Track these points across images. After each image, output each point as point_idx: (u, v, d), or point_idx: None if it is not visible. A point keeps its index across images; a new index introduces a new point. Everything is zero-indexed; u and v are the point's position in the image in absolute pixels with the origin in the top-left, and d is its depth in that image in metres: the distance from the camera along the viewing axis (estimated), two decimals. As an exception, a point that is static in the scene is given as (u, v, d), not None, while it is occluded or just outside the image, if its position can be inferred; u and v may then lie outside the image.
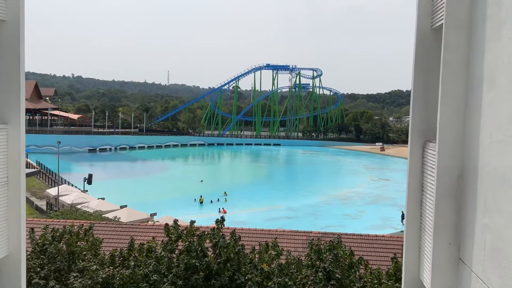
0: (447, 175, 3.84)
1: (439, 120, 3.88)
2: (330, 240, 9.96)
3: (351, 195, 56.27)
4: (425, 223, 4.38)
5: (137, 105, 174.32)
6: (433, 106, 4.22)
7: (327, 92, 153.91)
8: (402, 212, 42.34)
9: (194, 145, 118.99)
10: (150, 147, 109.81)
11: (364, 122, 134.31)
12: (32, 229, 10.48)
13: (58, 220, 17.69)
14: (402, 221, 41.75)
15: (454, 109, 3.83)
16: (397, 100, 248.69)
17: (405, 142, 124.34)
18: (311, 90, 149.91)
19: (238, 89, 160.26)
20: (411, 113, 4.65)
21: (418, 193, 4.69)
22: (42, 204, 41.80)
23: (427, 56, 4.40)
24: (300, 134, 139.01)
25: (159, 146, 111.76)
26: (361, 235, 16.27)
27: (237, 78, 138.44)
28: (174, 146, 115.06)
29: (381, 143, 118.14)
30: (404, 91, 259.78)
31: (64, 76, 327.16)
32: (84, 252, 9.63)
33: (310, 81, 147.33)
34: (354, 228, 35.27)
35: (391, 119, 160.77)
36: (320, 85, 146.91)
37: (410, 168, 4.72)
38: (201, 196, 49.44)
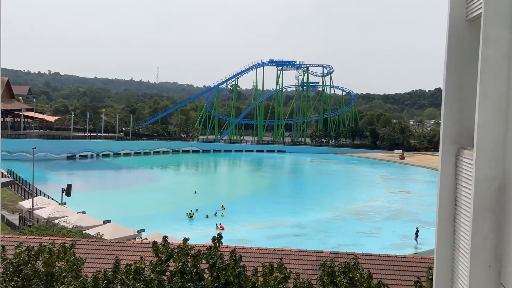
0: (486, 187, 3.80)
1: (477, 123, 3.84)
2: (345, 262, 9.90)
3: (367, 210, 56.12)
4: (459, 242, 4.34)
5: (123, 105, 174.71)
6: (469, 108, 4.19)
7: (338, 92, 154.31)
8: (417, 228, 42.44)
9: (187, 151, 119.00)
10: (137, 153, 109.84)
11: (381, 126, 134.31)
12: (3, 247, 10.44)
13: (33, 237, 17.63)
14: (416, 238, 41.78)
15: (495, 111, 3.80)
16: (418, 101, 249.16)
17: (427, 149, 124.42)
18: (320, 89, 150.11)
19: (238, 88, 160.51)
20: (443, 115, 4.62)
21: (451, 208, 4.64)
22: (14, 218, 41.73)
23: (462, 51, 4.38)
24: (308, 140, 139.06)
25: (147, 153, 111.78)
26: (379, 256, 16.19)
27: (237, 76, 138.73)
28: (165, 152, 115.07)
29: (400, 151, 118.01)
30: (427, 91, 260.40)
31: (39, 72, 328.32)
32: (64, 274, 9.58)
33: (319, 79, 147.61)
34: (370, 248, 35.12)
35: (411, 122, 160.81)
36: (331, 84, 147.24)
37: (442, 179, 4.68)
38: (191, 210, 49.38)
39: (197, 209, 50.91)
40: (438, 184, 4.71)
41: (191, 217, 48.69)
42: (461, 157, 4.41)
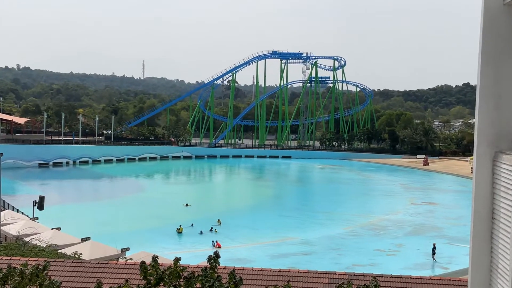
0: (529, 198, 3.77)
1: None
2: (365, 285, 9.86)
3: (386, 224, 56.05)
4: (497, 261, 4.31)
5: (103, 105, 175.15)
6: (509, 105, 4.16)
7: (352, 88, 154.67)
8: (434, 244, 42.43)
9: (178, 157, 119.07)
10: (119, 160, 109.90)
11: (401, 127, 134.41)
12: (-33, 269, 10.40)
13: (1, 258, 17.61)
14: (433, 256, 41.81)
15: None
16: (444, 98, 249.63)
17: (455, 153, 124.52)
18: (331, 85, 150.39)
19: (236, 84, 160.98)
20: (477, 114, 4.59)
21: (487, 221, 4.61)
22: (-22, 235, 41.67)
23: (499, 39, 4.34)
24: (317, 144, 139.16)
25: (131, 159, 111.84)
26: (401, 277, 16.14)
27: (234, 70, 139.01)
28: (152, 159, 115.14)
29: (423, 155, 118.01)
30: (454, 86, 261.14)
31: (6, 67, 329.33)
32: (37, 300, 9.53)
33: (330, 74, 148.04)
34: (390, 268, 34.96)
35: (436, 123, 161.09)
36: (344, 79, 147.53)
37: (477, 189, 4.65)
38: (180, 226, 49.38)
39: (192, 224, 50.98)
40: (473, 194, 4.68)
41: (180, 233, 48.68)
42: (500, 162, 4.38)
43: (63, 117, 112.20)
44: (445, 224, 55.90)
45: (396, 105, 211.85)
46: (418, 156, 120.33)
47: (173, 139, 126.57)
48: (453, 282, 15.95)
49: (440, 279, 16.82)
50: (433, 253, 41.90)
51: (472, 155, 4.91)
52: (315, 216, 59.87)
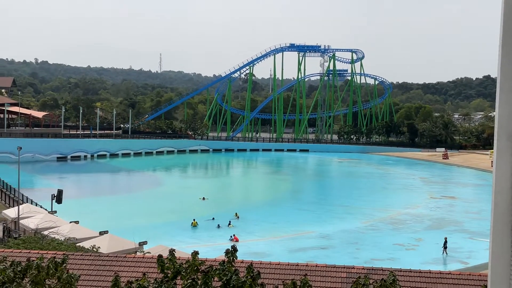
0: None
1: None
2: (382, 279, 9.83)
3: (405, 218, 55.81)
4: (518, 256, 4.27)
5: (120, 99, 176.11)
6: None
7: (370, 81, 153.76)
8: (445, 238, 42.12)
9: (195, 151, 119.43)
10: (137, 154, 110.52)
11: (420, 120, 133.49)
12: (-14, 262, 10.53)
13: (19, 251, 17.82)
14: (444, 250, 41.55)
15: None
16: (464, 91, 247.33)
17: (475, 147, 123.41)
18: (349, 78, 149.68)
19: (253, 78, 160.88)
20: (498, 107, 4.54)
21: (507, 215, 4.57)
22: (-2, 229, 42.23)
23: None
24: (335, 137, 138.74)
25: (149, 153, 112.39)
26: (420, 272, 16.05)
27: (252, 63, 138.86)
28: (169, 152, 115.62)
29: (443, 149, 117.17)
30: (474, 79, 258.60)
31: (24, 61, 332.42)
32: (55, 293, 9.64)
33: (348, 67, 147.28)
34: (409, 262, 34.83)
35: (456, 116, 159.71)
36: (362, 72, 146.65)
37: (497, 182, 4.61)
38: (194, 220, 49.55)
39: (213, 218, 51.25)
40: (493, 188, 4.63)
41: (194, 226, 48.91)
42: (521, 156, 4.34)
43: (81, 111, 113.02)
44: (465, 218, 55.53)
45: (415, 98, 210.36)
46: (438, 149, 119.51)
47: (190, 133, 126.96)
48: (473, 277, 15.84)
49: (459, 274, 16.71)
50: (445, 247, 41.74)
51: (492, 149, 4.85)
52: (333, 210, 59.80)
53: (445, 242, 41.93)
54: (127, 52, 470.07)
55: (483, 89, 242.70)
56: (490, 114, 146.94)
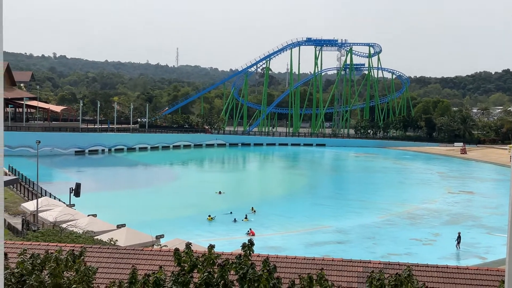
0: None
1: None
2: (397, 273, 9.81)
3: (422, 213, 55.56)
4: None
5: (137, 93, 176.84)
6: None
7: (388, 75, 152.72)
8: (459, 233, 41.88)
9: (212, 145, 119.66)
10: (154, 148, 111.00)
11: (438, 114, 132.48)
12: (6, 254, 10.67)
13: (38, 243, 18.02)
14: (457, 245, 41.34)
15: None
16: (483, 85, 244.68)
17: (494, 141, 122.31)
18: (366, 72, 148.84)
19: (270, 72, 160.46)
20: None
21: (526, 210, 4.53)
22: (17, 222, 42.73)
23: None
24: (351, 132, 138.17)
25: (165, 147, 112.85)
26: (437, 267, 15.96)
27: (268, 57, 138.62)
28: (186, 147, 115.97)
29: (461, 144, 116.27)
30: (493, 73, 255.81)
31: (43, 56, 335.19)
32: (74, 286, 9.74)
33: (365, 61, 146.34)
34: (426, 257, 34.79)
35: (475, 110, 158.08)
36: (379, 66, 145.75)
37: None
38: (209, 216, 49.73)
39: (231, 212, 51.44)
40: (511, 183, 4.60)
41: (210, 220, 49.10)
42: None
43: (99, 105, 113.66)
44: (483, 214, 55.16)
45: (433, 92, 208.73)
46: (456, 144, 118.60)
47: (207, 127, 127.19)
48: (490, 272, 15.72)
49: (477, 269, 16.60)
50: (458, 242, 41.56)
51: (511, 143, 4.77)
52: (350, 205, 59.69)
53: (458, 236, 41.77)
54: (145, 46, 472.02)
55: (502, 83, 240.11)
56: (509, 108, 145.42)
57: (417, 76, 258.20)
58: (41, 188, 51.15)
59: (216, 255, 10.07)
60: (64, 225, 34.24)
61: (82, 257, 10.58)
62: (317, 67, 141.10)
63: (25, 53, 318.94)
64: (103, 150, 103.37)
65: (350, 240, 44.00)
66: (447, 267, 16.04)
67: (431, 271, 15.66)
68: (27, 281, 9.63)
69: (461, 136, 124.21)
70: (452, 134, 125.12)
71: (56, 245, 16.30)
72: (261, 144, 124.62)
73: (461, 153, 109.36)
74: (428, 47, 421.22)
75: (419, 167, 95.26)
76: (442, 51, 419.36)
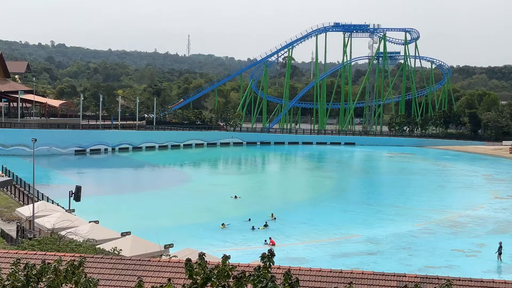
0: None
1: None
2: (436, 288, 9.78)
3: (465, 221, 55.18)
4: None
5: (144, 85, 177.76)
6: None
7: (426, 65, 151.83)
8: (500, 243, 41.57)
9: (227, 144, 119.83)
10: (162, 147, 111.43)
11: (484, 109, 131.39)
12: (-1, 264, 10.80)
13: (34, 252, 18.22)
14: (499, 257, 41.08)
15: None
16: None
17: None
18: (402, 61, 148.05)
19: (292, 62, 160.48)
20: None
21: None
22: (11, 229, 43.14)
23: None
24: (385, 129, 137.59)
25: (175, 146, 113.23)
26: (481, 281, 15.89)
27: (291, 45, 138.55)
28: (198, 145, 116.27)
29: (511, 142, 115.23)
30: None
31: (40, 44, 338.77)
32: (73, 299, 9.86)
33: (400, 48, 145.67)
34: (469, 271, 34.53)
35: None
36: (417, 55, 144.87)
37: None
38: (223, 224, 49.78)
39: (249, 219, 51.46)
40: None
41: (224, 228, 49.23)
42: None
43: (101, 99, 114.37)
44: (535, 222, 54.65)
45: (478, 84, 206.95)
46: (504, 142, 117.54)
47: (221, 124, 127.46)
48: (543, 288, 15.58)
49: (528, 284, 16.47)
50: (499, 253, 41.32)
51: None
52: (382, 211, 59.44)
53: (500, 247, 41.51)
54: (152, 33, 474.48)
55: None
56: None
57: (460, 66, 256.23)
58: (38, 192, 51.57)
59: (231, 266, 10.11)
60: (63, 233, 34.53)
61: (82, 268, 10.69)
62: (346, 56, 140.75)
63: (20, 41, 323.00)
64: (106, 150, 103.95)
65: (383, 251, 43.82)
66: (493, 282, 15.95)
67: (475, 286, 15.58)
68: (23, 294, 9.71)
69: (511, 133, 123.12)
70: (500, 132, 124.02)
71: (54, 255, 16.46)
72: (283, 143, 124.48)
73: (510, 152, 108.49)
74: (473, 32, 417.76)
75: (462, 168, 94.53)
76: (489, 37, 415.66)
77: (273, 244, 42.90)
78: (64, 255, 16.27)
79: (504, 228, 52.51)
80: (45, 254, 16.76)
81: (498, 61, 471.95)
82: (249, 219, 51.47)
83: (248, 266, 12.59)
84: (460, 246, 45.31)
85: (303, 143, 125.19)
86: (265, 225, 49.99)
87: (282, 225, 50.85)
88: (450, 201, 66.61)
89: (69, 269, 10.34)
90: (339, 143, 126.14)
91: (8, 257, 15.75)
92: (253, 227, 49.38)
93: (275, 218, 52.72)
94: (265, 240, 44.65)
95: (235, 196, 63.53)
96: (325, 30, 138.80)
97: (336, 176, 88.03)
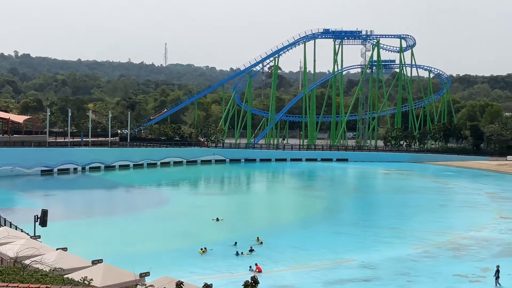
0: None
1: None
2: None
3: (468, 243, 55.28)
4: None
5: (117, 99, 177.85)
6: None
7: (424, 74, 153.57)
8: (498, 267, 41.79)
9: (208, 162, 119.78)
10: (137, 165, 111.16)
11: (487, 121, 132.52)
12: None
13: (-5, 284, 18.05)
14: (496, 280, 41.25)
15: None
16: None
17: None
18: (397, 70, 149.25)
19: (279, 72, 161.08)
20: None
21: None
22: (-30, 258, 42.74)
23: None
24: (380, 143, 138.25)
25: (152, 165, 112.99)
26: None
27: (277, 53, 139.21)
28: (176, 163, 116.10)
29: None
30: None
31: (2, 55, 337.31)
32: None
33: (396, 56, 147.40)
34: (473, 298, 34.60)
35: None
36: (413, 63, 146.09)
37: None
38: (201, 249, 49.38)
39: (236, 243, 51.23)
40: None
41: (203, 253, 48.96)
42: None
43: (70, 114, 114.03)
44: (544, 243, 54.89)
45: (480, 94, 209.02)
46: (509, 157, 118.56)
47: (202, 139, 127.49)
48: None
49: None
50: (497, 277, 41.47)
51: None
52: (379, 233, 59.41)
53: (497, 271, 41.67)
54: (126, 41, 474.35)
55: None
56: None
57: (460, 75, 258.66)
58: (0, 216, 51.24)
59: (212, 296, 10.06)
60: (27, 261, 34.19)
61: (47, 300, 10.59)
62: (337, 64, 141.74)
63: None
64: (75, 169, 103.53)
65: (380, 277, 43.76)
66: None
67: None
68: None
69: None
70: (505, 146, 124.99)
71: (18, 286, 16.30)
72: (269, 160, 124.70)
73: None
74: (474, 39, 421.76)
75: (464, 186, 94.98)
76: (491, 44, 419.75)
77: (260, 271, 42.71)
78: (28, 286, 16.10)
79: (511, 250, 52.66)
80: (7, 286, 16.59)
81: (501, 69, 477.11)
82: (235, 243, 51.30)
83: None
84: (463, 270, 45.33)
85: (292, 159, 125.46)
86: (251, 250, 49.79)
87: (269, 250, 50.65)
88: (452, 221, 66.69)
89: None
90: (330, 160, 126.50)
91: (-35, 290, 15.57)
92: (237, 252, 49.18)
93: (261, 242, 52.55)
94: (250, 267, 44.45)
95: (217, 219, 63.33)
96: (314, 36, 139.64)
97: (328, 196, 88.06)
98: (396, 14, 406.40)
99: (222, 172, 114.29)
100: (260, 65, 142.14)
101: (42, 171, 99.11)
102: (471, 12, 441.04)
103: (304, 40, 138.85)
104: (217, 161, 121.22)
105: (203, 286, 9.82)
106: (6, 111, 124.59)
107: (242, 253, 49.26)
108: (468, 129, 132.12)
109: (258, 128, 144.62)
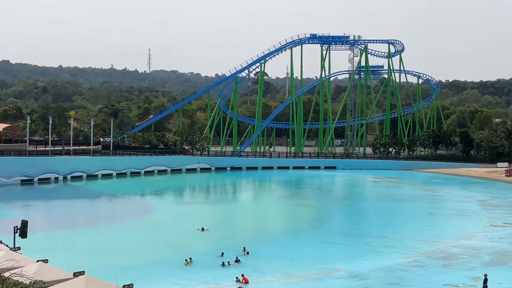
0: None
1: None
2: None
3: (458, 252, 55.46)
4: None
5: (100, 106, 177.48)
6: None
7: (413, 80, 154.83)
8: (485, 275, 42.05)
9: (194, 170, 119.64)
10: (120, 174, 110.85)
11: (476, 128, 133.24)
12: None
13: (-27, 297, 17.98)
14: None
15: None
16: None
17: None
18: (386, 76, 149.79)
19: (265, 78, 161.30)
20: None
21: None
22: None
23: None
24: (368, 150, 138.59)
25: (135, 173, 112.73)
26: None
27: (263, 59, 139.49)
28: (161, 172, 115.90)
29: (506, 164, 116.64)
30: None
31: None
32: None
33: (384, 62, 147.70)
34: (464, 308, 34.70)
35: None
36: (402, 69, 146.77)
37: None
38: (185, 260, 49.22)
39: (222, 253, 51.09)
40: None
41: (187, 264, 48.75)
42: None
43: (51, 122, 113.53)
44: (535, 252, 55.15)
45: (469, 100, 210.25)
46: (499, 164, 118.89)
47: (187, 147, 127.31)
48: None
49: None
50: (485, 286, 41.65)
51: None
52: (368, 242, 59.49)
53: (485, 280, 41.85)
54: (108, 47, 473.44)
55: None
56: None
57: (449, 80, 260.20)
58: (-22, 228, 50.94)
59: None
60: (6, 274, 34.03)
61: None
62: (325, 70, 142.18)
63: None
64: (56, 179, 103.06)
65: (369, 287, 43.87)
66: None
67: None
68: None
69: (506, 154, 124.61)
70: (495, 152, 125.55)
71: (-5, 299, 16.26)
72: (256, 168, 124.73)
73: (506, 175, 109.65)
74: (463, 44, 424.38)
75: (454, 193, 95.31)
76: (480, 49, 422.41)
77: (246, 282, 42.68)
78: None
79: (501, 259, 52.82)
80: (-16, 299, 16.54)
81: (491, 75, 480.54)
82: (222, 254, 51.19)
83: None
84: (454, 280, 45.44)
85: (279, 167, 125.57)
86: (237, 261, 49.72)
87: (256, 260, 50.59)
88: (442, 230, 66.87)
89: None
90: (318, 167, 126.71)
91: None
92: (223, 263, 49.08)
93: (248, 253, 52.49)
94: (237, 278, 44.37)
95: (202, 228, 63.21)
96: (300, 42, 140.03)
97: (316, 204, 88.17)
98: (384, 19, 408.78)
99: (207, 181, 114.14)
100: (246, 71, 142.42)
101: (22, 180, 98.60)
102: (460, 17, 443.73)
103: (291, 45, 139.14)
104: (202, 170, 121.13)
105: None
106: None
107: (228, 263, 49.20)
108: (458, 136, 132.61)
109: (244, 135, 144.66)
